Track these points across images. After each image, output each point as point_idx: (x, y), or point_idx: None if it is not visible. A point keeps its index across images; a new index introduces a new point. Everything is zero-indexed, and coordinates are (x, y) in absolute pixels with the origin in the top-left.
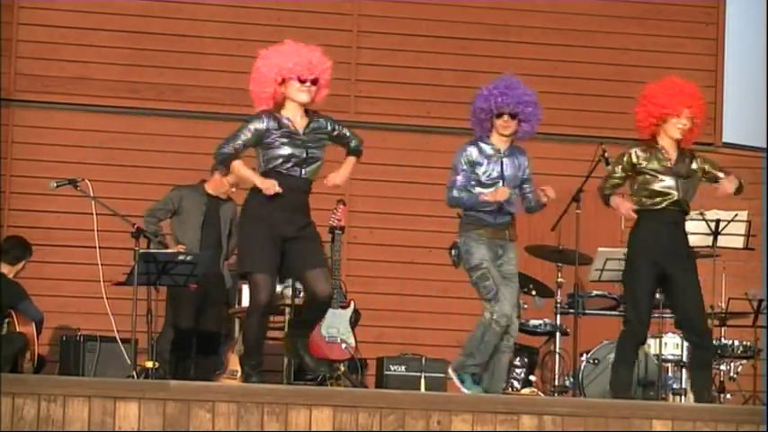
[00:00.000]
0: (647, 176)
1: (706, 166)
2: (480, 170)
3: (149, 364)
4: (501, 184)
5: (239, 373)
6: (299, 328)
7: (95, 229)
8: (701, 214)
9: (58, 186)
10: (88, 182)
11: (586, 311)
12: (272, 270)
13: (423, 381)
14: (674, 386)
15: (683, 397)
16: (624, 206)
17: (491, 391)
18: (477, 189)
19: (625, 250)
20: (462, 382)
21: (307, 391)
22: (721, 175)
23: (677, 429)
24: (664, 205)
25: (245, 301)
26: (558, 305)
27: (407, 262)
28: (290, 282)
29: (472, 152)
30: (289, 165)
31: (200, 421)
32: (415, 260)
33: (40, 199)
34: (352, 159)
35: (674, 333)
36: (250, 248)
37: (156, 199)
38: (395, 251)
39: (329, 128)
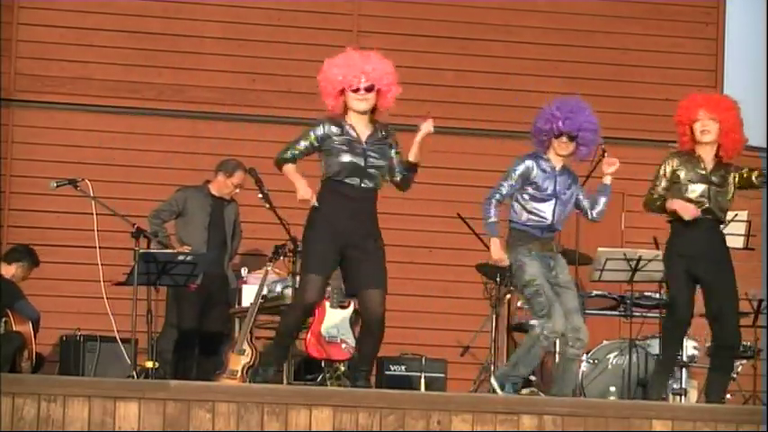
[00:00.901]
0: (681, 185)
1: (737, 175)
2: (533, 185)
3: (149, 364)
4: (554, 201)
5: (239, 374)
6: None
7: (95, 229)
8: None
9: (58, 186)
10: (88, 182)
11: (586, 311)
12: (326, 272)
13: (423, 381)
14: (674, 386)
15: (683, 397)
16: (686, 206)
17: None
18: (531, 204)
19: (625, 250)
20: (503, 389)
21: (307, 391)
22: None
23: (677, 429)
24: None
25: (246, 302)
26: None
27: (407, 262)
28: (289, 281)
29: (530, 166)
30: (347, 173)
31: (200, 421)
32: (415, 260)
33: (40, 199)
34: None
35: None
36: (308, 250)
37: (157, 199)
38: (395, 251)
39: (393, 143)
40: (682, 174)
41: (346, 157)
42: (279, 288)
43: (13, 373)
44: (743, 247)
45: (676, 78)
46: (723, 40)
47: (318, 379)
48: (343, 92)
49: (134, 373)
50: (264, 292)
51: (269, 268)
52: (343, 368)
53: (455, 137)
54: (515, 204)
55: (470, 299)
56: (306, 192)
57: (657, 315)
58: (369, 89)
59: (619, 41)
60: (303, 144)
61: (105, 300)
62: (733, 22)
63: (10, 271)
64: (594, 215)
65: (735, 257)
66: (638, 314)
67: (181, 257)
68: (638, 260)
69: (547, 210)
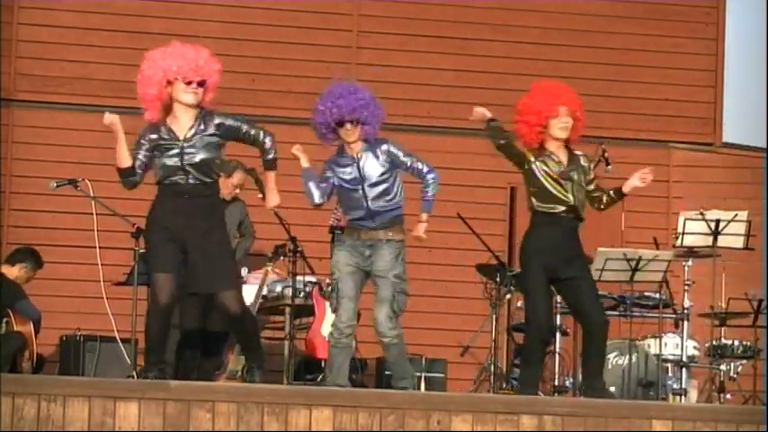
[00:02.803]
0: (540, 180)
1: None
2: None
3: None
4: (360, 189)
5: (239, 374)
6: None
7: (95, 229)
8: (701, 214)
9: (58, 186)
10: (88, 182)
11: None
12: (173, 270)
13: (423, 381)
14: (674, 386)
15: (682, 397)
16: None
17: None
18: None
19: (625, 250)
20: None
21: (307, 391)
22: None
23: (677, 429)
24: (557, 210)
25: (246, 302)
26: (559, 305)
27: (407, 262)
28: (290, 281)
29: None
30: (170, 174)
31: (200, 421)
32: (415, 260)
33: (40, 199)
34: (270, 175)
35: (674, 333)
36: (150, 254)
37: None
38: None
39: (229, 123)
40: (540, 168)
41: (163, 160)
42: (279, 288)
43: (13, 373)
44: (743, 247)
45: (676, 78)
46: (723, 40)
47: (318, 379)
48: (170, 83)
49: (134, 373)
50: (264, 292)
51: (269, 268)
52: None
53: (455, 137)
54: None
55: (470, 299)
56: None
57: (658, 315)
58: (201, 83)
59: (619, 41)
60: (139, 157)
61: (105, 300)
62: (733, 22)
63: (13, 272)
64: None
65: (735, 257)
66: (638, 314)
67: None
68: (638, 260)
69: (358, 196)
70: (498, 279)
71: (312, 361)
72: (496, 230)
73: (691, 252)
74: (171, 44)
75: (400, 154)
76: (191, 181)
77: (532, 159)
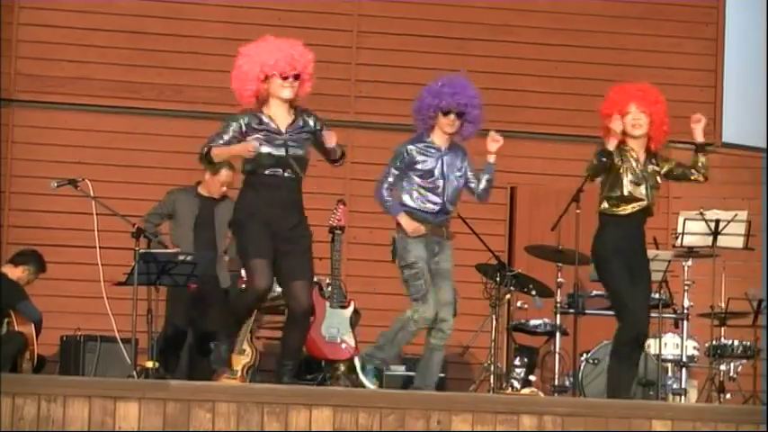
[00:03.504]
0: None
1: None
2: (418, 167)
3: (149, 364)
4: (441, 183)
5: (239, 373)
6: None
7: (95, 229)
8: (701, 214)
9: (58, 186)
10: (88, 182)
11: (586, 311)
12: (269, 257)
13: None
14: (674, 386)
15: (683, 397)
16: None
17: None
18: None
19: None
20: (363, 370)
21: (307, 391)
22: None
23: (677, 429)
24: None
25: None
26: (558, 305)
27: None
28: None
29: (412, 150)
30: (269, 165)
31: (200, 421)
32: None
33: (40, 199)
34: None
35: (674, 333)
36: (243, 240)
37: (156, 199)
38: None
39: (316, 127)
40: (620, 164)
41: (266, 148)
42: (279, 288)
43: (13, 373)
44: (743, 247)
45: (676, 78)
46: (723, 40)
47: (318, 379)
48: (266, 78)
49: (134, 373)
50: None
51: None
52: (343, 368)
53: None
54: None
55: (470, 299)
56: (244, 146)
57: (658, 315)
58: (296, 77)
59: (619, 41)
60: (226, 138)
61: (105, 300)
62: (733, 22)
63: (16, 273)
64: (480, 192)
65: (735, 257)
66: None
67: (181, 257)
68: None
69: (437, 189)
70: (498, 279)
71: (312, 361)
72: (496, 230)
73: (690, 252)
74: (265, 38)
75: (470, 168)
76: (286, 174)
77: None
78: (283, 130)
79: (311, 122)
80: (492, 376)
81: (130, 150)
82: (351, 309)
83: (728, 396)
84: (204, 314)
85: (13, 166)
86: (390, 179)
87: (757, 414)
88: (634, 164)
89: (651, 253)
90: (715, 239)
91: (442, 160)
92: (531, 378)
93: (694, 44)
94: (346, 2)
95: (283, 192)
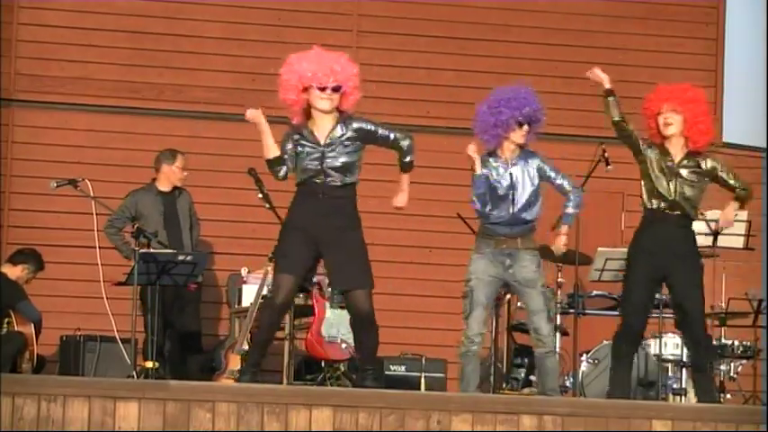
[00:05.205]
0: (648, 174)
1: (718, 167)
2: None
3: (149, 364)
4: (512, 194)
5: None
6: None
7: (95, 229)
8: (701, 214)
9: (58, 186)
10: (88, 182)
11: (586, 311)
12: (299, 273)
13: (423, 381)
14: (674, 386)
15: (683, 397)
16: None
17: None
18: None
19: (625, 250)
20: None
21: (307, 391)
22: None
23: (677, 429)
24: (660, 206)
25: (246, 302)
26: (558, 305)
27: (407, 262)
28: None
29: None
30: (309, 176)
31: (200, 421)
32: (415, 260)
33: (40, 199)
34: (404, 177)
35: (674, 333)
36: (278, 251)
37: None
38: (395, 251)
39: (368, 128)
40: (651, 159)
41: (304, 162)
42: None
43: (13, 373)
44: (743, 247)
45: (676, 78)
46: (723, 40)
47: (318, 379)
48: (306, 89)
49: (134, 373)
50: (264, 291)
51: (269, 268)
52: (343, 368)
53: (455, 137)
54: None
55: None
56: (255, 113)
57: (658, 315)
58: (335, 89)
59: (619, 41)
60: (289, 149)
61: (105, 300)
62: (733, 22)
63: (15, 272)
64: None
65: (735, 257)
66: None
67: (180, 257)
68: None
69: (505, 202)
70: None
71: (312, 361)
72: None
73: None
74: (311, 48)
75: (547, 168)
76: (328, 181)
77: (644, 147)
78: (322, 142)
79: (355, 125)
80: (492, 376)
81: (130, 150)
82: None
83: (728, 396)
84: (183, 312)
85: (13, 166)
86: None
87: (757, 414)
88: (663, 159)
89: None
90: (715, 239)
91: (511, 172)
92: (531, 378)
93: (694, 44)
94: (346, 2)
95: (326, 199)
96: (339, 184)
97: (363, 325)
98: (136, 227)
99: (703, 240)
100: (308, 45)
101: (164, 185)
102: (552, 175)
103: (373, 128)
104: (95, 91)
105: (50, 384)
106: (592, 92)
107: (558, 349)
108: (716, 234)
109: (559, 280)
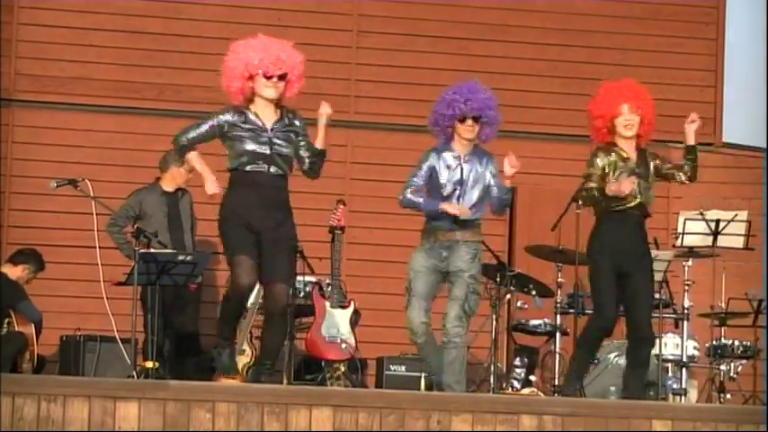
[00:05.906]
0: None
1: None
2: (441, 178)
3: (149, 365)
4: (458, 191)
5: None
6: None
7: (95, 229)
8: (701, 214)
9: (58, 186)
10: (88, 182)
11: (586, 311)
12: (252, 252)
13: (423, 381)
14: (674, 386)
15: (683, 397)
16: (624, 183)
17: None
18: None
19: None
20: None
21: (307, 391)
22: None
23: (677, 429)
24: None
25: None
26: (558, 305)
27: (407, 262)
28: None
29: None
30: (254, 161)
31: (200, 421)
32: None
33: (40, 199)
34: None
35: (674, 333)
36: (227, 238)
37: None
38: (395, 251)
39: (303, 132)
40: (611, 168)
41: (250, 146)
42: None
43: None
44: (743, 247)
45: (676, 78)
46: (723, 40)
47: (318, 379)
48: (252, 77)
49: (134, 373)
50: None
51: None
52: (343, 368)
53: None
54: None
55: None
56: (213, 187)
57: (658, 315)
58: (281, 77)
59: (619, 41)
60: (202, 129)
61: (105, 300)
62: (733, 21)
63: (15, 272)
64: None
65: (735, 257)
66: None
67: (180, 257)
68: None
69: (451, 197)
70: (498, 279)
71: (312, 361)
72: (496, 230)
73: (691, 252)
74: (255, 36)
75: (494, 180)
76: (272, 171)
77: (603, 157)
78: (269, 128)
79: (297, 123)
80: (492, 376)
81: (130, 150)
82: (351, 309)
83: (728, 396)
84: (183, 312)
85: (12, 166)
86: (413, 186)
87: (757, 414)
88: (623, 162)
89: (651, 253)
90: (715, 239)
91: (462, 168)
92: (532, 378)
93: (694, 44)
94: (346, 2)
95: (268, 190)
96: (282, 173)
97: (276, 319)
98: (136, 227)
99: (703, 240)
100: (309, 45)
101: (168, 186)
102: (492, 182)
103: (304, 136)
104: (95, 91)
105: (50, 384)
106: (592, 92)
107: (558, 349)
108: (716, 234)
109: (559, 280)
